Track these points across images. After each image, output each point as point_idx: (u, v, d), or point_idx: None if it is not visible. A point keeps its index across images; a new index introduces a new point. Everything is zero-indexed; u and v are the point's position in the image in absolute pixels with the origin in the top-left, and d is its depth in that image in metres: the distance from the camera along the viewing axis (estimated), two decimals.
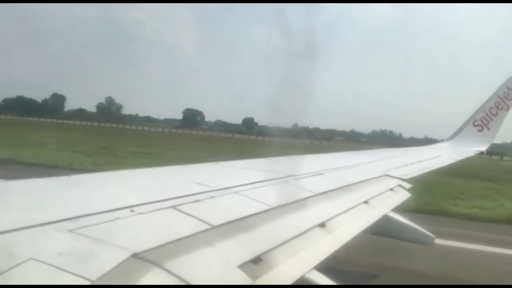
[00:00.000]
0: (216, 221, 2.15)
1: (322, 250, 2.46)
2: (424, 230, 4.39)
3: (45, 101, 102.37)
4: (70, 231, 1.66)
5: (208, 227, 2.08)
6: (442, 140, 12.11)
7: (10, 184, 2.41)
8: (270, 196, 2.91)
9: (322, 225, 2.74)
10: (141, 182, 2.99)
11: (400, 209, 4.29)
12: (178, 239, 1.84)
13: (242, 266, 1.84)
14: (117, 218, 1.89)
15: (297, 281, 2.06)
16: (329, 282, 2.22)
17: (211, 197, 2.56)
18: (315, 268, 2.23)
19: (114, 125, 78.33)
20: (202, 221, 2.12)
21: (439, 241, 5.41)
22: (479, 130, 11.25)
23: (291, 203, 2.94)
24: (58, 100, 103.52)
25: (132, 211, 2.01)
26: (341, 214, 3.14)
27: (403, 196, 4.71)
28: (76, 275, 1.36)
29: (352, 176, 4.59)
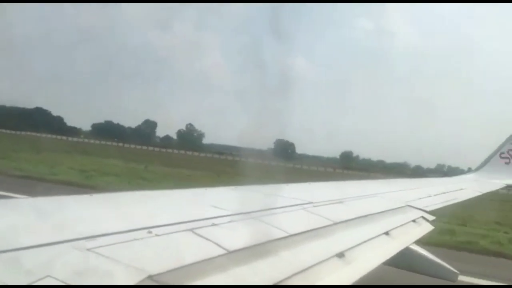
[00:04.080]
0: (232, 246, 2.13)
1: (339, 281, 2.40)
2: (447, 266, 4.24)
3: (138, 127, 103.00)
4: (88, 249, 1.68)
5: (224, 252, 2.06)
6: (468, 171, 11.77)
7: (33, 201, 2.45)
8: (289, 223, 2.87)
9: (340, 255, 2.68)
10: (160, 203, 3.00)
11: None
12: (194, 263, 1.83)
13: None
14: (135, 239, 1.90)
15: None
16: None
17: (230, 221, 2.54)
18: None
19: (203, 154, 69.10)
20: (219, 245, 2.10)
21: (462, 277, 5.17)
22: (506, 163, 10.92)
23: (309, 231, 2.89)
24: (150, 126, 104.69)
25: (149, 232, 2.02)
26: (361, 244, 3.07)
27: (426, 228, 4.58)
28: None
29: (373, 206, 4.50)
